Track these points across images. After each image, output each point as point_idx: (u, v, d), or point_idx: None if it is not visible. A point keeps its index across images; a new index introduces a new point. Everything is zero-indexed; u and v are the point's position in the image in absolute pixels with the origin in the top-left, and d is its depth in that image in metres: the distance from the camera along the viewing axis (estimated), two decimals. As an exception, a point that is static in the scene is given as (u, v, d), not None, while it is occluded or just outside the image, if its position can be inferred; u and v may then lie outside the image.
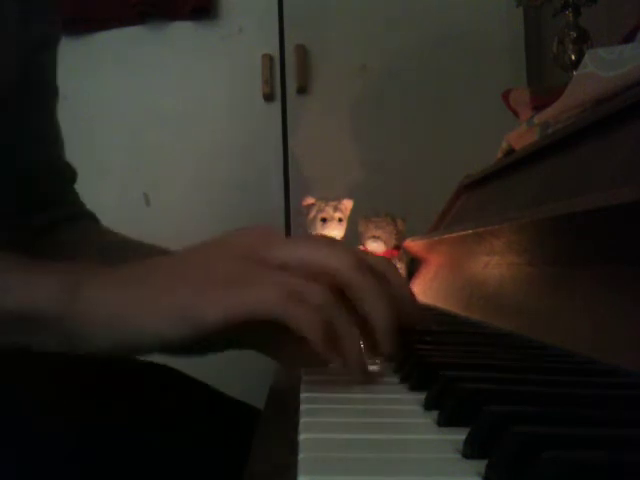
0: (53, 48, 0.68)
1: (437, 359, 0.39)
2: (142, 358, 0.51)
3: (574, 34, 0.94)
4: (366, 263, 0.38)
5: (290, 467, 0.24)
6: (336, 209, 1.28)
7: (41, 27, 0.63)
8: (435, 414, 0.30)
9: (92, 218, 0.73)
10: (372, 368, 0.45)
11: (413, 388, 0.37)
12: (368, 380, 0.39)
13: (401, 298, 0.40)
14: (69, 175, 0.71)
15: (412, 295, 0.42)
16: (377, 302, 0.37)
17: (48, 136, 0.68)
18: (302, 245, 0.39)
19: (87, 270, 0.39)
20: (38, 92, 0.65)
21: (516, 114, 0.96)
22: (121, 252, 0.65)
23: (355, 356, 0.37)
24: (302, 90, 1.59)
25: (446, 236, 0.81)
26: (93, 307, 0.36)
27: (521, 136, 0.84)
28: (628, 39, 0.73)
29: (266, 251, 0.38)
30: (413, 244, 1.07)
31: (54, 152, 0.69)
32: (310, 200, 1.30)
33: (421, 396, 0.34)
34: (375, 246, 1.23)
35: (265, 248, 0.38)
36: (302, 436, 0.27)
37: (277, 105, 1.61)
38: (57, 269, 0.39)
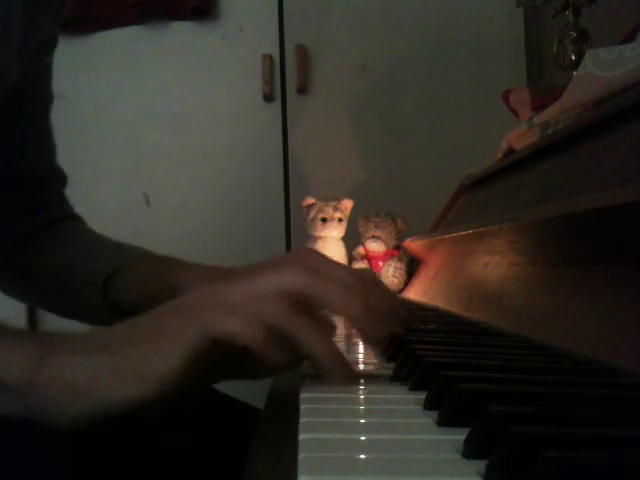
0: (52, 51, 0.68)
1: (437, 359, 0.39)
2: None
3: (574, 34, 0.94)
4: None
5: (290, 467, 0.24)
6: (336, 209, 1.28)
7: (45, 28, 0.63)
8: (435, 414, 0.30)
9: (79, 220, 0.74)
10: (372, 368, 0.45)
11: (413, 388, 0.37)
12: (354, 379, 0.39)
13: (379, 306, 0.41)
14: (60, 180, 0.72)
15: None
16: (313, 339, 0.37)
17: (42, 141, 0.68)
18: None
19: (51, 343, 0.38)
20: (36, 96, 0.65)
21: (516, 114, 0.96)
22: (106, 251, 0.66)
23: (327, 356, 0.37)
24: (302, 90, 1.59)
25: (446, 236, 0.81)
26: (55, 381, 0.36)
27: (521, 136, 0.84)
28: (628, 39, 0.73)
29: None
30: (413, 244, 1.07)
31: (47, 157, 0.69)
32: (310, 200, 1.30)
33: (421, 396, 0.34)
34: (375, 246, 1.23)
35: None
36: (302, 436, 0.27)
37: (277, 105, 1.61)
38: (23, 341, 0.38)
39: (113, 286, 0.64)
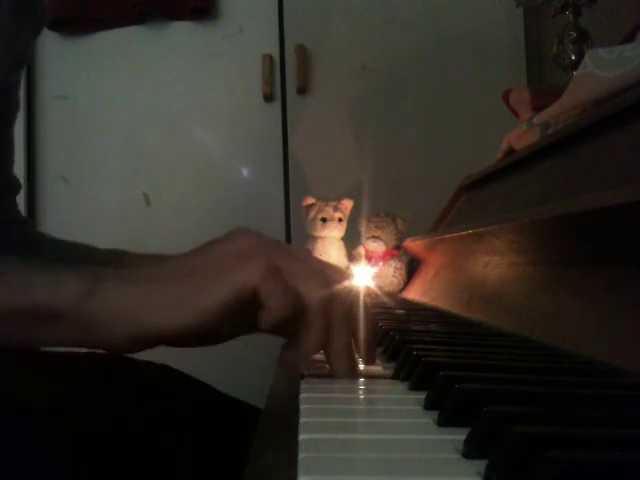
0: (25, 65, 0.68)
1: (437, 359, 0.39)
2: (142, 358, 0.52)
3: (574, 34, 0.94)
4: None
5: (290, 467, 0.24)
6: (336, 209, 1.28)
7: (26, 43, 0.64)
8: (435, 414, 0.30)
9: (26, 224, 0.75)
10: (372, 368, 0.45)
11: (413, 388, 0.37)
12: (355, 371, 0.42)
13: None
14: (16, 188, 0.73)
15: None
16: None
17: (4, 150, 0.68)
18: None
19: (101, 271, 0.42)
20: (9, 107, 0.66)
21: (516, 114, 0.96)
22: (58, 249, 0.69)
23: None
24: (302, 90, 1.59)
25: (446, 236, 0.81)
26: (109, 304, 0.40)
27: (521, 136, 0.84)
28: (628, 39, 0.73)
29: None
30: (413, 244, 1.07)
31: (6, 167, 0.70)
32: (310, 200, 1.30)
33: (421, 396, 0.34)
34: (375, 246, 1.23)
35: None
36: (302, 436, 0.27)
37: (277, 105, 1.61)
38: (73, 270, 0.42)
39: None
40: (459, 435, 0.26)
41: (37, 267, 0.42)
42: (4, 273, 0.41)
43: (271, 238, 0.47)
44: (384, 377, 0.43)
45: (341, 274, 0.45)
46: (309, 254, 0.50)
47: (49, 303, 0.39)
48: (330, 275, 0.43)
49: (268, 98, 1.60)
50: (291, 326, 0.41)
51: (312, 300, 0.40)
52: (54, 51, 1.59)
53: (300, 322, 0.40)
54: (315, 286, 0.40)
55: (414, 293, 1.08)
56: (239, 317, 0.40)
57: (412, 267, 1.19)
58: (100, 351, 0.46)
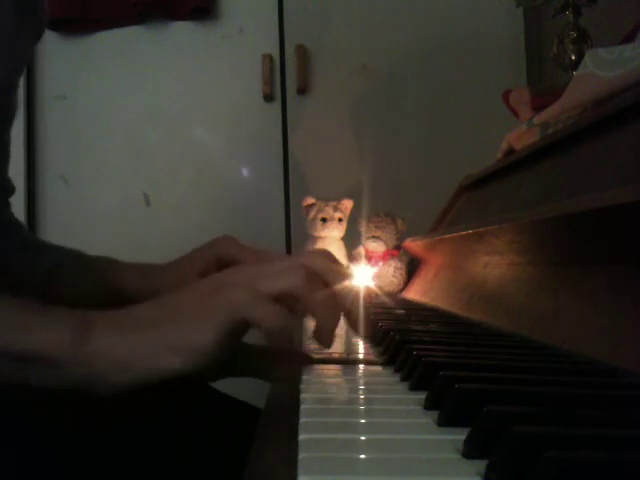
0: (27, 64, 0.68)
1: (437, 359, 0.39)
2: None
3: (574, 34, 0.94)
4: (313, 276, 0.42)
5: (290, 467, 0.24)
6: (336, 209, 1.28)
7: (28, 41, 0.64)
8: (435, 414, 0.30)
9: (18, 225, 0.75)
10: (372, 368, 0.45)
11: (413, 388, 0.37)
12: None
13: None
14: (9, 191, 0.73)
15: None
16: (321, 309, 0.41)
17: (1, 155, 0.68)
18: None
19: (91, 319, 0.41)
20: (9, 109, 0.66)
21: (516, 114, 0.96)
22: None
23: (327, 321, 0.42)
24: (302, 90, 1.59)
25: (446, 236, 0.81)
26: (98, 354, 0.39)
27: (521, 136, 0.84)
28: (628, 39, 0.73)
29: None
30: (413, 244, 1.07)
31: (1, 172, 0.70)
32: (310, 200, 1.30)
33: (421, 396, 0.34)
34: (375, 246, 1.23)
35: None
36: (302, 436, 0.27)
37: (277, 105, 1.61)
38: (64, 317, 0.41)
39: (54, 279, 0.67)
40: (459, 435, 0.26)
41: (34, 309, 0.41)
42: None
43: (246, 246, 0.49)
44: (376, 363, 0.45)
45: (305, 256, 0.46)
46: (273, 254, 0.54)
47: (40, 349, 0.39)
48: (296, 259, 0.44)
49: (268, 98, 1.60)
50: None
51: (299, 293, 0.41)
52: (54, 51, 1.59)
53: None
54: (290, 277, 0.41)
55: (414, 293, 1.08)
56: (234, 344, 0.41)
57: (412, 267, 1.19)
58: None
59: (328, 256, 0.45)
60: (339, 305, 0.43)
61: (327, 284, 0.42)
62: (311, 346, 0.55)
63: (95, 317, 0.41)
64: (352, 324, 0.45)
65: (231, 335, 0.39)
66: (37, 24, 0.66)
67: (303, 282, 0.40)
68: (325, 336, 0.42)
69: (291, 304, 0.41)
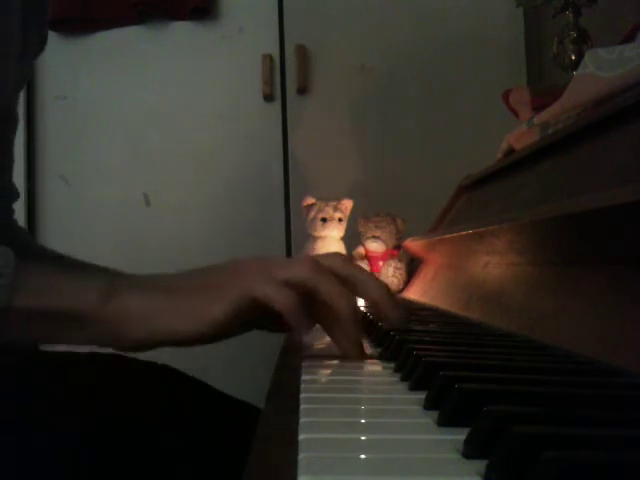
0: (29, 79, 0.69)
1: (437, 359, 0.39)
2: (142, 358, 0.52)
3: (574, 34, 0.94)
4: (327, 270, 0.46)
5: (290, 467, 0.24)
6: (336, 209, 1.28)
7: (32, 57, 0.64)
8: (435, 414, 0.30)
9: (23, 232, 0.76)
10: (372, 367, 0.45)
11: (413, 388, 0.37)
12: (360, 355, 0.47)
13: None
14: (13, 196, 0.73)
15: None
16: (338, 299, 0.45)
17: (6, 158, 0.68)
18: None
19: (119, 279, 0.46)
20: (12, 119, 0.66)
21: (516, 114, 0.96)
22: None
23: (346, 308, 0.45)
24: (302, 90, 1.59)
25: (446, 236, 0.81)
26: (123, 312, 0.43)
27: (521, 136, 0.84)
28: (628, 39, 0.73)
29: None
30: (413, 244, 1.07)
31: (6, 174, 0.70)
32: (310, 200, 1.30)
33: (421, 396, 0.34)
34: (375, 246, 1.23)
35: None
36: (302, 436, 0.27)
37: (277, 105, 1.61)
38: (94, 276, 0.46)
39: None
40: (459, 435, 0.26)
41: (57, 271, 0.45)
42: (29, 275, 0.43)
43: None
44: (372, 357, 0.48)
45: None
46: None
47: (72, 307, 0.42)
48: (311, 257, 0.48)
49: (268, 98, 1.60)
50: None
51: (307, 280, 0.45)
52: (54, 51, 1.58)
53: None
54: (302, 267, 0.45)
55: (414, 293, 1.08)
56: (243, 322, 0.45)
57: (412, 267, 1.19)
58: (101, 351, 0.47)
59: (342, 257, 0.49)
60: (352, 295, 0.46)
61: (342, 280, 0.46)
62: (312, 347, 0.55)
63: (123, 278, 0.46)
64: (384, 311, 0.48)
65: (242, 311, 0.43)
66: (40, 40, 0.66)
67: (313, 272, 0.45)
68: (347, 327, 0.46)
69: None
